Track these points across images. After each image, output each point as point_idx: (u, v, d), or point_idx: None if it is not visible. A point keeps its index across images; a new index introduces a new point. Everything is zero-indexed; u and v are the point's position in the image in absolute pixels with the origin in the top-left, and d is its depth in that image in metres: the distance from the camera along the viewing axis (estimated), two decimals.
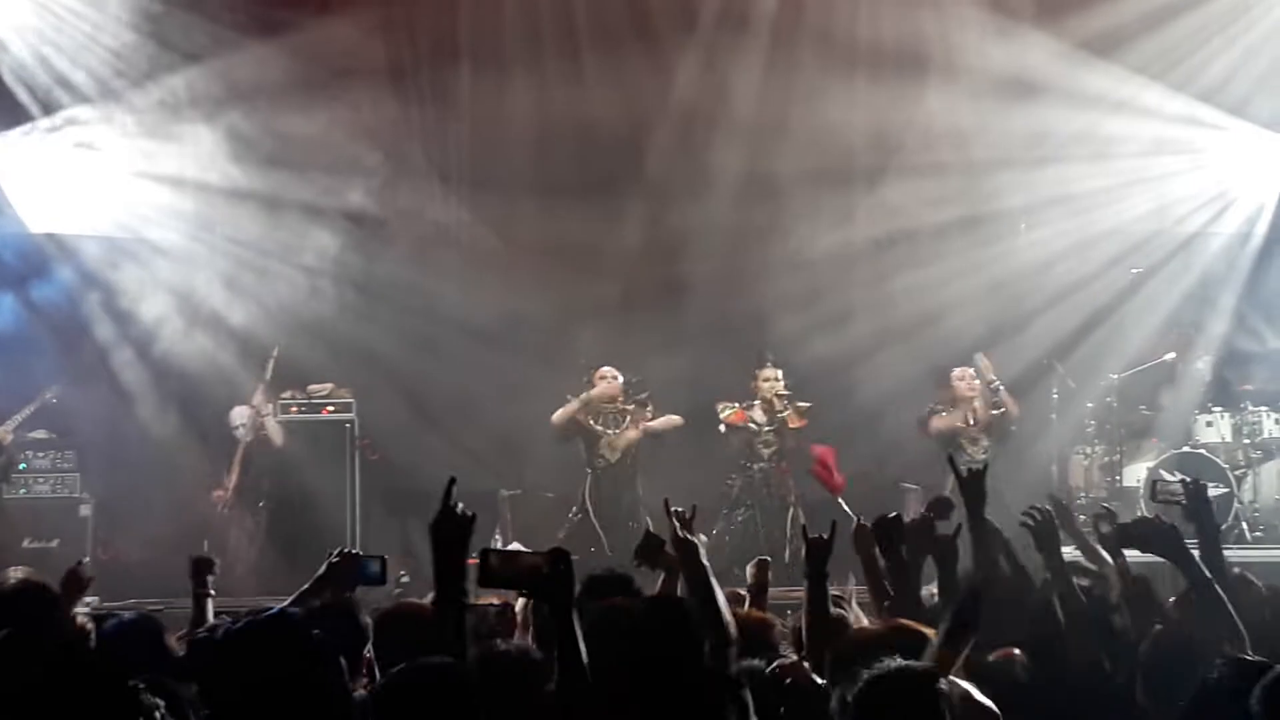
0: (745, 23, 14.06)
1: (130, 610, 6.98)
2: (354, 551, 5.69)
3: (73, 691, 3.24)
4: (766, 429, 13.31)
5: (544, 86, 14.15)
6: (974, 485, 6.16)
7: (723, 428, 13.38)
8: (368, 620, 5.32)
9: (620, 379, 13.36)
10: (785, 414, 13.25)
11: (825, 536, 5.78)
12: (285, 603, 5.44)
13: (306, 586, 5.54)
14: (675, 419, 13.39)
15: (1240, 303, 14.52)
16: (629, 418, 13.32)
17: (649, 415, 13.33)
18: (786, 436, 13.31)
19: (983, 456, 12.69)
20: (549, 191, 14.46)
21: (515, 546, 12.71)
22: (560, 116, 14.21)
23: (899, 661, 4.20)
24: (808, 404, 13.35)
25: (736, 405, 13.36)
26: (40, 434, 13.61)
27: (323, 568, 5.58)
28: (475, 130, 14.45)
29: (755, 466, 13.31)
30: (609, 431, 13.26)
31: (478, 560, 4.47)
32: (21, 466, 13.55)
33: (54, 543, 13.19)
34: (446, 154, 14.66)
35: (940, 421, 13.24)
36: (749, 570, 6.76)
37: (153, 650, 5.01)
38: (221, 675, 4.05)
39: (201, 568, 6.24)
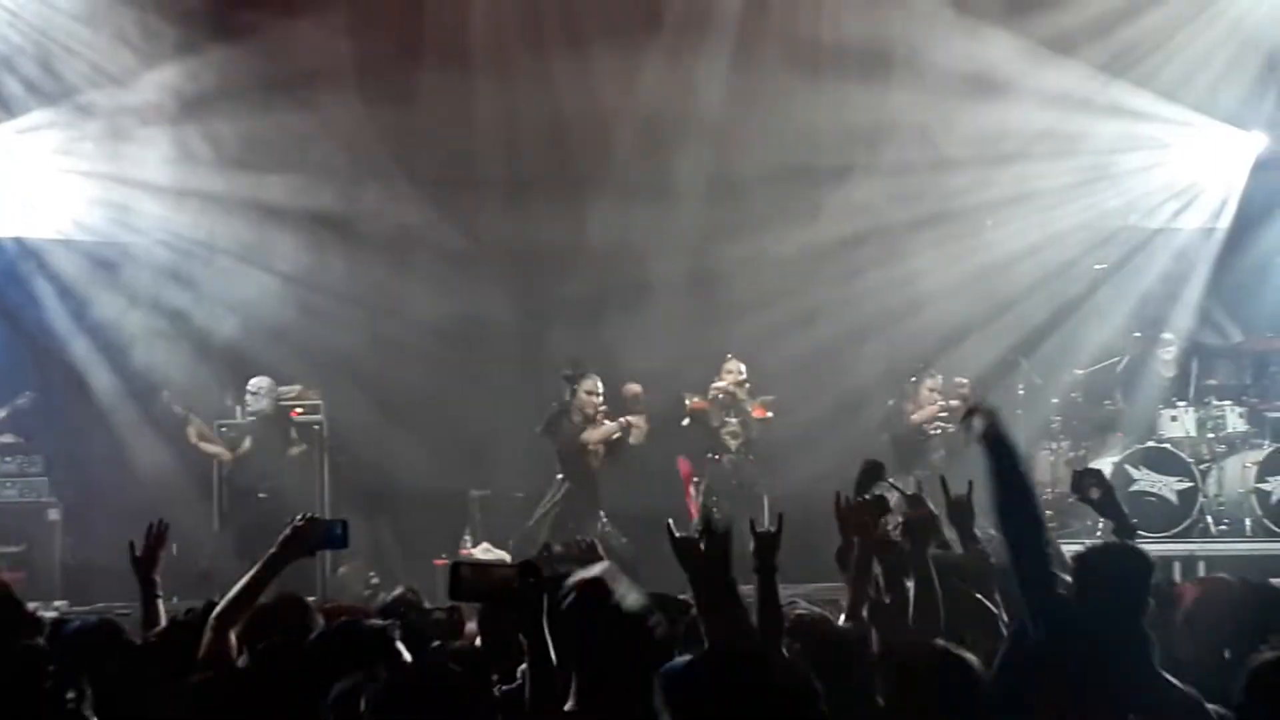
0: (709, 23, 14.06)
1: (94, 614, 7.01)
2: (316, 516, 5.66)
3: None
4: (731, 420, 13.39)
5: (510, 86, 14.15)
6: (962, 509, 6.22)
7: (685, 420, 13.45)
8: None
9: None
10: (748, 403, 13.34)
11: (773, 529, 5.38)
12: (253, 571, 5.48)
13: (273, 551, 5.51)
14: (610, 426, 13.15)
15: (1204, 298, 14.59)
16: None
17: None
18: (752, 427, 13.38)
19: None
20: (516, 191, 14.50)
21: (486, 545, 12.87)
22: (527, 116, 14.22)
23: None
24: (771, 397, 13.45)
25: (700, 397, 13.44)
26: (7, 438, 13.54)
27: (286, 531, 5.55)
28: (442, 130, 14.42)
29: (724, 458, 13.38)
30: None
31: (449, 571, 4.50)
32: None
33: (22, 547, 13.15)
34: (413, 154, 14.63)
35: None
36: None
37: (111, 653, 5.03)
38: None
39: (144, 565, 6.20)
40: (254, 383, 13.72)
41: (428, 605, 6.33)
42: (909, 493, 6.28)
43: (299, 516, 5.61)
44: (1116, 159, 14.53)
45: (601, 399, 12.99)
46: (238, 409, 13.97)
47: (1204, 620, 5.85)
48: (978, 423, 5.67)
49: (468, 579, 4.46)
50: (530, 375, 14.22)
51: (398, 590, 6.70)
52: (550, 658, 4.37)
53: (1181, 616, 5.94)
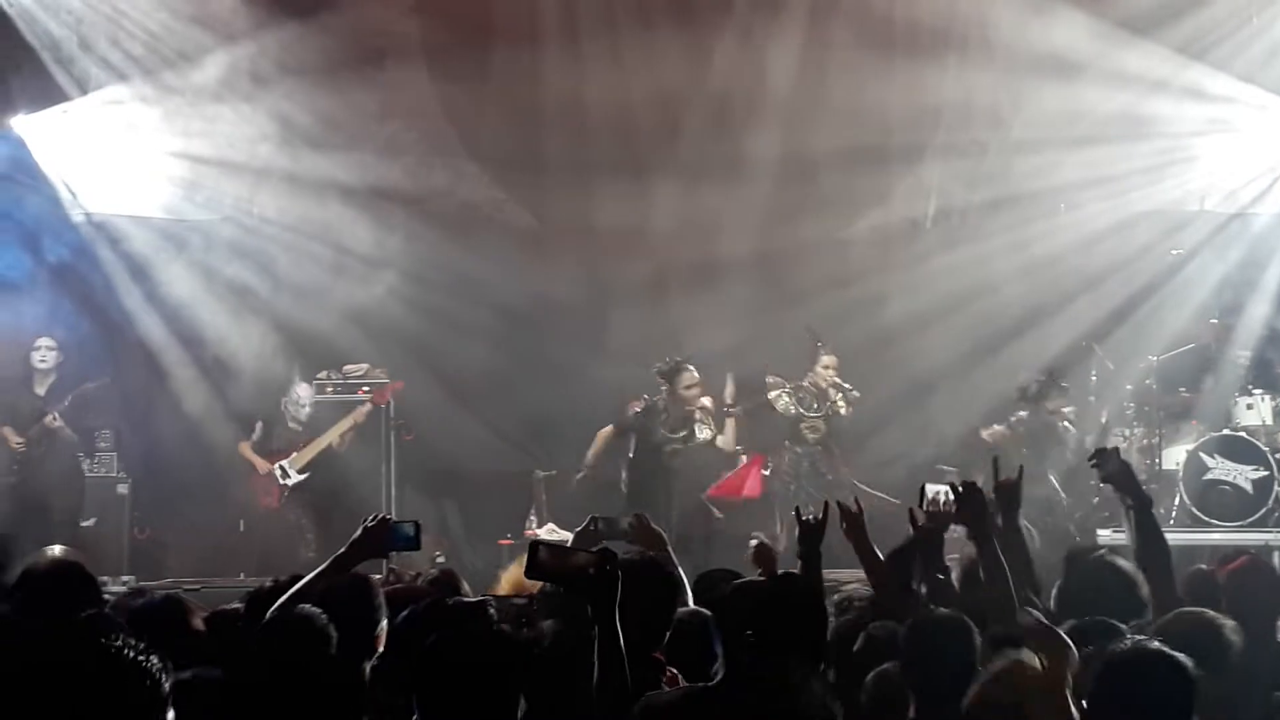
0: (781, 2, 13.97)
1: (162, 590, 7.03)
2: (387, 517, 5.68)
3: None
4: (814, 414, 13.23)
5: (579, 66, 14.10)
6: (1009, 491, 6.09)
7: (773, 393, 13.28)
8: (382, 600, 5.35)
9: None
10: (838, 402, 13.16)
11: (818, 518, 5.87)
12: (320, 568, 5.49)
13: (342, 551, 5.55)
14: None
15: None
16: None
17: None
18: (835, 423, 13.22)
19: None
20: (584, 171, 14.44)
21: (551, 526, 12.86)
22: (596, 96, 14.17)
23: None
24: (858, 394, 13.23)
25: (785, 384, 13.27)
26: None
27: (357, 532, 5.58)
28: (510, 110, 14.40)
29: (800, 450, 13.27)
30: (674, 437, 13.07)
31: (527, 550, 4.53)
32: None
33: (91, 521, 13.26)
34: (481, 134, 14.62)
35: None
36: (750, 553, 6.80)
37: (177, 631, 5.02)
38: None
39: None
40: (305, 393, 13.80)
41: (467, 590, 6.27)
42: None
43: (371, 517, 5.62)
44: (1193, 142, 14.27)
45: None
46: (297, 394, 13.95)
47: None
48: (1110, 464, 5.87)
49: (545, 561, 4.49)
50: (596, 356, 14.18)
51: (433, 572, 6.61)
52: (620, 646, 4.38)
53: None
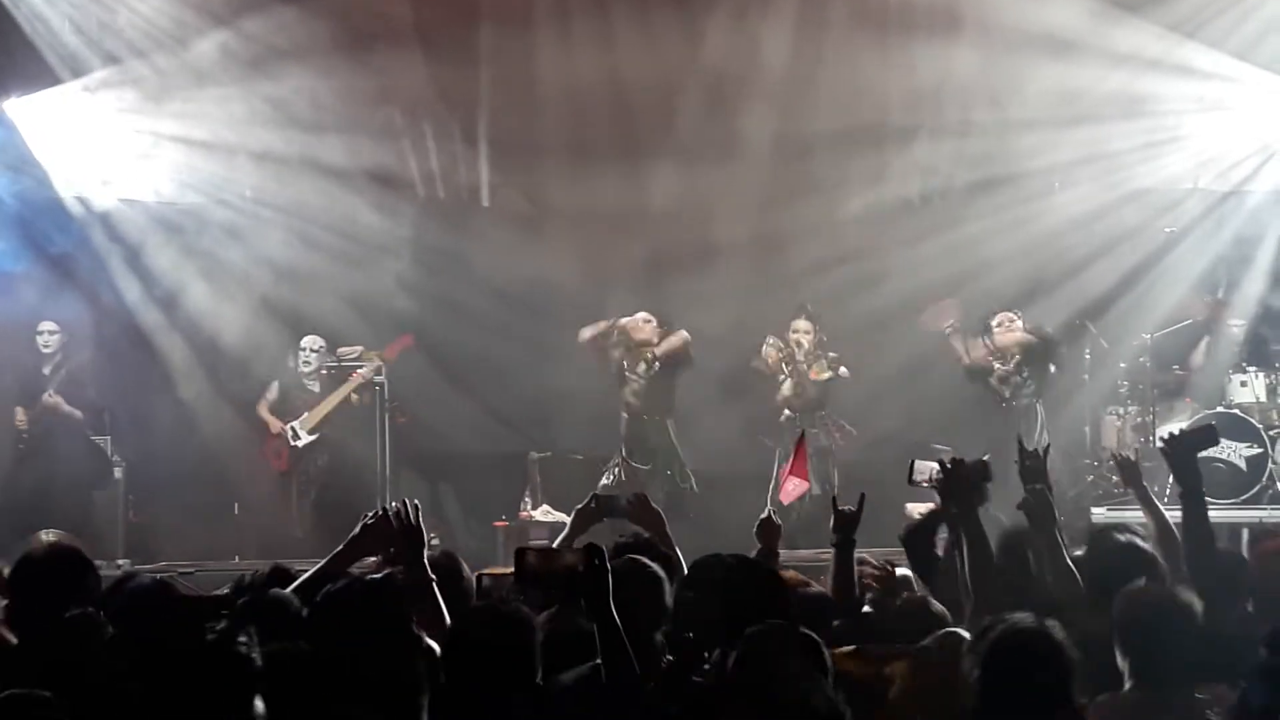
0: None
1: (155, 573, 7.03)
2: (387, 511, 5.63)
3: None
4: (785, 379, 13.28)
5: (572, 48, 14.05)
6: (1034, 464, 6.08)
7: (761, 353, 13.34)
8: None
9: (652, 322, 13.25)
10: (805, 366, 13.20)
11: (854, 509, 5.91)
12: (319, 565, 5.43)
13: (340, 549, 5.49)
14: (682, 335, 13.27)
15: (1276, 261, 14.35)
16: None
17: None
18: (808, 388, 13.24)
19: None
20: (578, 154, 14.42)
21: (546, 508, 12.88)
22: (589, 78, 14.13)
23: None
24: (835, 355, 13.26)
25: (779, 342, 13.32)
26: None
27: (357, 529, 5.53)
28: (503, 92, 14.38)
29: (783, 415, 13.32)
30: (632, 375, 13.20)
31: (514, 558, 4.54)
32: None
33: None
34: (475, 116, 14.60)
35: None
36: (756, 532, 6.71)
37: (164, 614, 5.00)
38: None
39: None
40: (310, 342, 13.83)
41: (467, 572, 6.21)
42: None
43: (370, 514, 5.57)
44: (1187, 121, 14.24)
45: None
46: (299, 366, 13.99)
47: None
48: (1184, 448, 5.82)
49: (533, 565, 4.49)
50: None
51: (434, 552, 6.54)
52: (623, 638, 4.36)
53: None
